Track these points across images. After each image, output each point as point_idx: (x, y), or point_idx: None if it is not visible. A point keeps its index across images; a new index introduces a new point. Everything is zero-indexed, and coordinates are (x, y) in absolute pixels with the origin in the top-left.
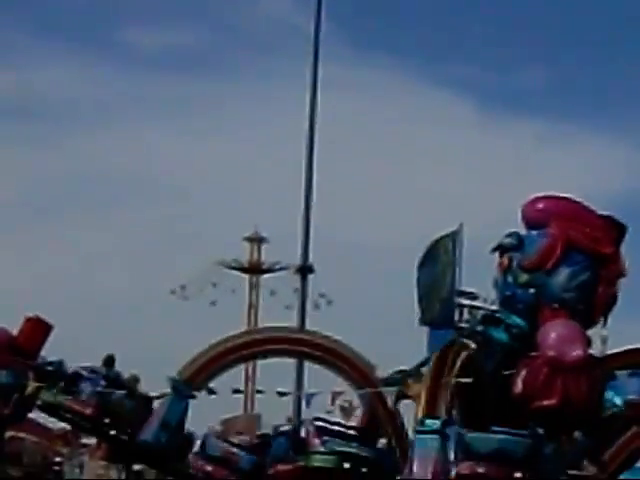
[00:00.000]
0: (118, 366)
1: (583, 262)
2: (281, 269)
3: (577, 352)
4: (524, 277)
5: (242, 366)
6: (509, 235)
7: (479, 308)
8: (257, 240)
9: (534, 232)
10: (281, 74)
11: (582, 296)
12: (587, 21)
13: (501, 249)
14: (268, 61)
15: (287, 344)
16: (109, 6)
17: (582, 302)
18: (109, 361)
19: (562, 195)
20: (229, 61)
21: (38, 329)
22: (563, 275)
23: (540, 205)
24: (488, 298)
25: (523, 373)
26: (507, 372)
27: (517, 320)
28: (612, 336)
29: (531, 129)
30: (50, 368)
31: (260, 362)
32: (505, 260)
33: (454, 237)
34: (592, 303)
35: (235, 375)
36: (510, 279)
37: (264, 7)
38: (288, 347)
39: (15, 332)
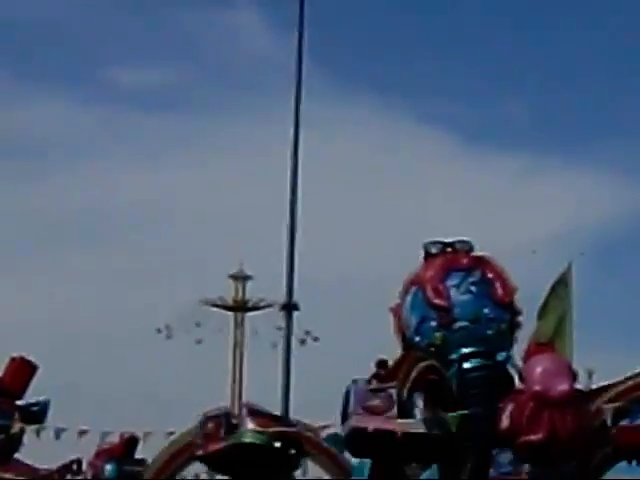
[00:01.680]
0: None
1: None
2: (266, 307)
3: (563, 386)
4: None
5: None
6: None
7: None
8: (242, 278)
9: None
10: (263, 111)
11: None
12: (568, 55)
13: None
14: (250, 98)
15: None
16: (91, 44)
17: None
18: None
19: None
20: (211, 98)
21: (23, 369)
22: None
23: None
24: None
25: (509, 408)
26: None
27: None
28: (598, 370)
29: (516, 163)
30: (36, 409)
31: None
32: None
33: None
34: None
35: None
36: None
37: (245, 44)
38: None
39: (0, 373)
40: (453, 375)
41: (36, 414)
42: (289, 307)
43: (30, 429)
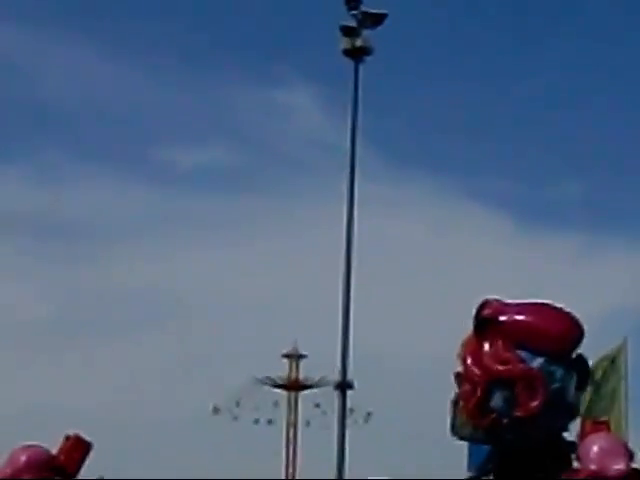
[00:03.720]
0: None
1: None
2: (321, 386)
3: (619, 466)
4: None
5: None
6: None
7: None
8: (296, 357)
9: None
10: (316, 191)
11: None
12: (622, 133)
13: None
14: (303, 178)
15: None
16: (142, 125)
17: None
18: None
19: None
20: (263, 179)
21: (78, 448)
22: None
23: None
24: None
25: None
26: None
27: None
28: None
29: (568, 243)
30: None
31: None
32: None
33: None
34: None
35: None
36: None
37: (296, 123)
38: None
39: (55, 451)
40: None
41: None
42: (343, 386)
43: None
